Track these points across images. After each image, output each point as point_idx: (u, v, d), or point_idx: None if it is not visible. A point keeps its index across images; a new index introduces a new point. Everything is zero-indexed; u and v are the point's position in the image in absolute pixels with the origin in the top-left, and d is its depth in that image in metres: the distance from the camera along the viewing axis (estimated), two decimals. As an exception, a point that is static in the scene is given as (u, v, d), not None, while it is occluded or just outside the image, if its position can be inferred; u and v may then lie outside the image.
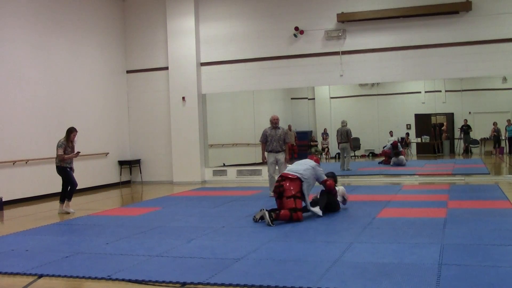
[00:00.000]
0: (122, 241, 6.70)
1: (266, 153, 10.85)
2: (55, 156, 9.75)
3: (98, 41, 14.69)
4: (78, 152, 9.92)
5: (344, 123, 15.19)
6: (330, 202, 8.14)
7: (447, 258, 5.14)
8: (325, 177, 8.12)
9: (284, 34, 14.30)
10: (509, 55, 12.74)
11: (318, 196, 8.25)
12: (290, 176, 7.78)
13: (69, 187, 9.75)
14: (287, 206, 7.54)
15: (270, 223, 7.30)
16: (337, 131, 15.31)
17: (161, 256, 5.78)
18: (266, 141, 10.70)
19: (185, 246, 6.26)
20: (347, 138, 15.02)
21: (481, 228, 6.59)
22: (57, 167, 9.75)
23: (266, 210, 7.53)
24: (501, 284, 4.29)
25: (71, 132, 9.72)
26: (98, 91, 14.63)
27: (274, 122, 10.68)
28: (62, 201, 9.72)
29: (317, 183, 8.19)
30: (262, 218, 7.56)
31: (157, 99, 15.45)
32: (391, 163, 15.96)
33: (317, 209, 7.85)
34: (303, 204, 7.81)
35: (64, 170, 9.71)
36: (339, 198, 8.41)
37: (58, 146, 9.61)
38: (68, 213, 9.56)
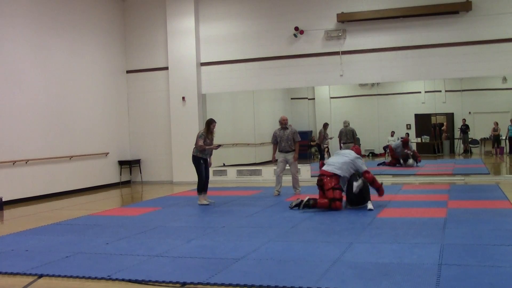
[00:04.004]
0: (122, 241, 6.70)
1: (277, 153, 11.03)
2: (194, 146, 9.74)
3: (98, 41, 14.69)
4: (220, 145, 10.02)
5: (346, 123, 15.15)
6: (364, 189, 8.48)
7: (447, 258, 5.14)
8: (365, 168, 8.53)
9: (284, 34, 14.30)
10: (509, 55, 12.74)
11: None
12: (327, 174, 8.37)
13: (198, 181, 9.70)
14: (328, 196, 8.29)
15: (301, 206, 8.35)
16: (340, 131, 15.22)
17: (161, 256, 5.78)
18: (276, 142, 10.93)
19: (185, 246, 6.26)
20: (352, 138, 14.99)
21: (481, 228, 6.58)
22: (193, 156, 9.74)
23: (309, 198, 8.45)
24: (501, 284, 4.28)
25: (210, 123, 9.73)
26: (98, 91, 14.62)
27: (283, 123, 10.85)
28: (199, 192, 9.73)
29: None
30: (297, 205, 8.44)
31: (157, 99, 15.44)
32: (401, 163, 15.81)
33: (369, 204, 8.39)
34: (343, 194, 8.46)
35: (198, 161, 9.69)
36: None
37: (199, 137, 9.64)
38: (208, 204, 9.63)
